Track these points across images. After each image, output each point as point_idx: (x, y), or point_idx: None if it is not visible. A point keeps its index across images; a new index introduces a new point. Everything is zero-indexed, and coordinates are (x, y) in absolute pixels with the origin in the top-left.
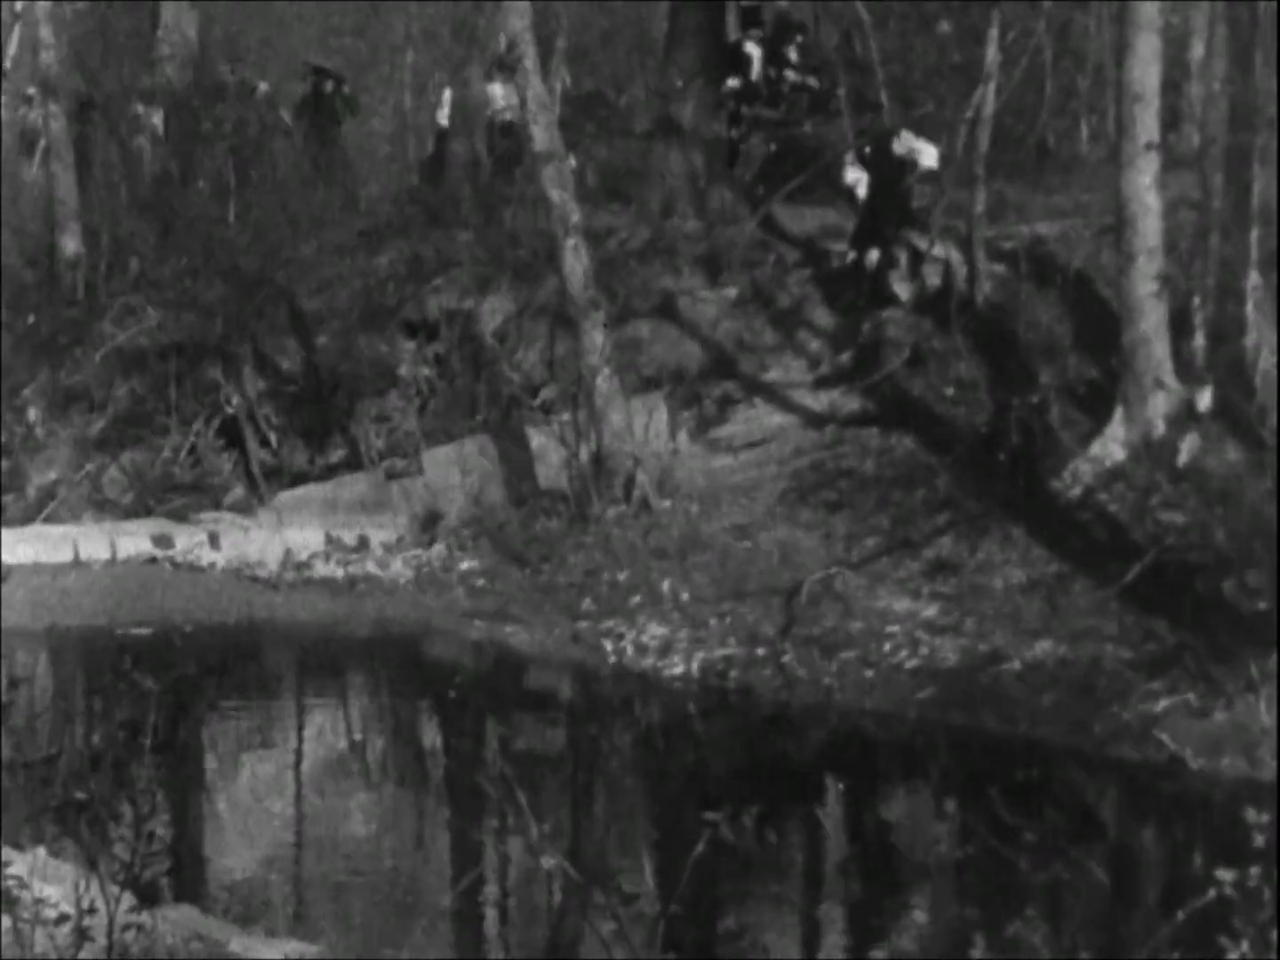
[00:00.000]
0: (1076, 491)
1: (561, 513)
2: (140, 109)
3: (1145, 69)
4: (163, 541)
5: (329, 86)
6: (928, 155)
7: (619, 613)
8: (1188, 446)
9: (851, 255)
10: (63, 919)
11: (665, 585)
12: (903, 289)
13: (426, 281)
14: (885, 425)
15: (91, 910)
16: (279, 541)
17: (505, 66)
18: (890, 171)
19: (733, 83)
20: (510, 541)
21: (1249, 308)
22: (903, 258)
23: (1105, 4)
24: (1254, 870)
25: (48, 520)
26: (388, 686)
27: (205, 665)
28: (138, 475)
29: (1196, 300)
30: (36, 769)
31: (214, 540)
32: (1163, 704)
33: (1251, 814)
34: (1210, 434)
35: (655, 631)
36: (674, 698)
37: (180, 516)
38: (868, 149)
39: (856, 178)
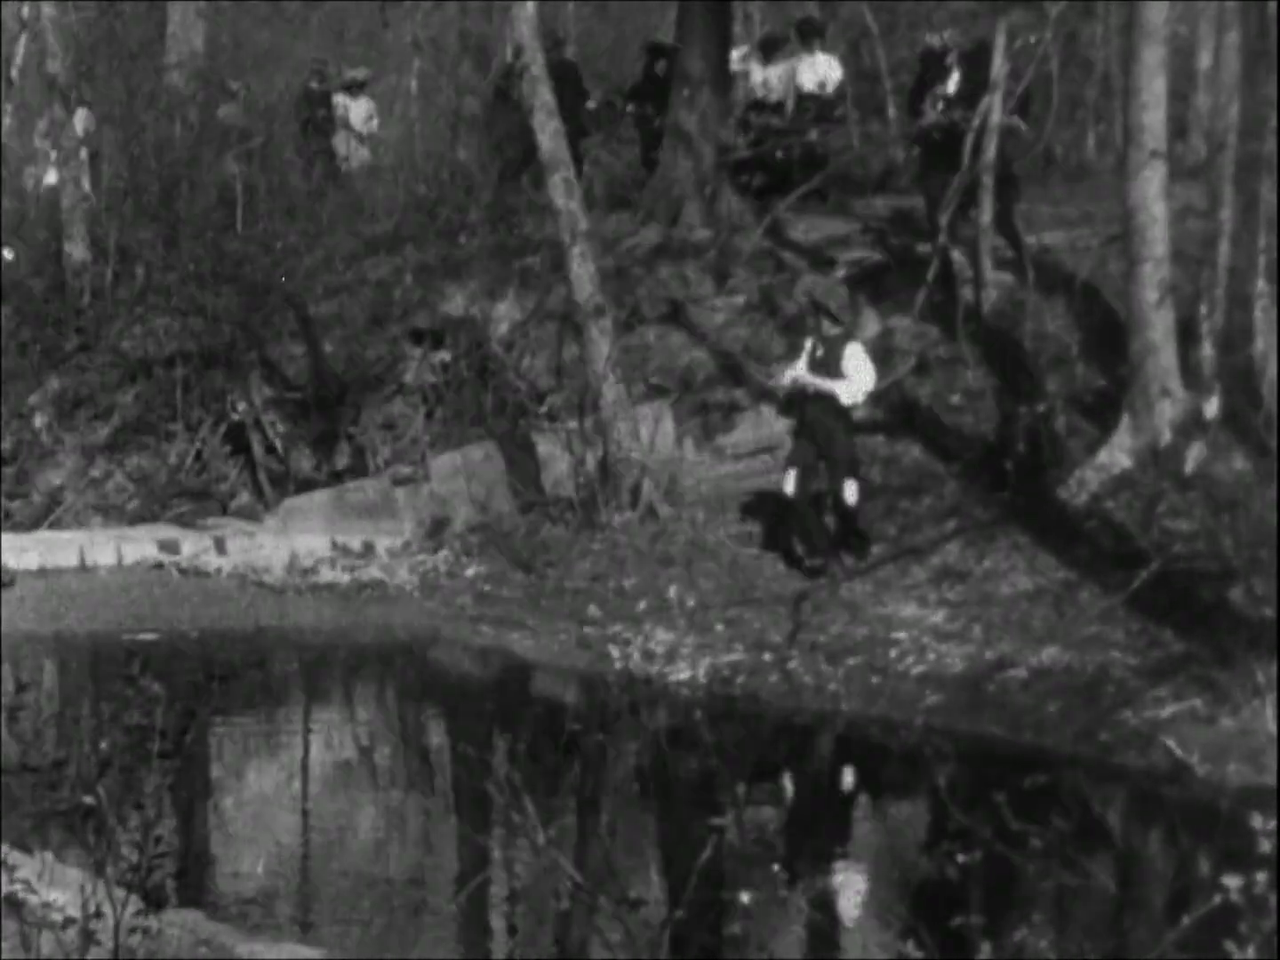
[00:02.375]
0: (1083, 499)
1: (568, 519)
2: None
3: (1152, 78)
4: (169, 547)
5: (661, 67)
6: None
7: (625, 619)
8: (1194, 455)
9: None
10: (69, 923)
11: (672, 591)
12: (909, 296)
13: (434, 289)
14: (892, 433)
15: (98, 914)
16: (285, 547)
17: (769, 47)
18: None
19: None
20: (516, 548)
21: (1256, 316)
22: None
23: (1112, 13)
24: (1260, 876)
25: (54, 526)
26: (394, 692)
27: (212, 671)
28: (144, 481)
29: (1203, 309)
30: (44, 774)
31: (220, 546)
32: (1169, 711)
33: (1257, 820)
34: (1217, 442)
35: (662, 637)
36: (680, 704)
37: (187, 522)
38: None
39: None
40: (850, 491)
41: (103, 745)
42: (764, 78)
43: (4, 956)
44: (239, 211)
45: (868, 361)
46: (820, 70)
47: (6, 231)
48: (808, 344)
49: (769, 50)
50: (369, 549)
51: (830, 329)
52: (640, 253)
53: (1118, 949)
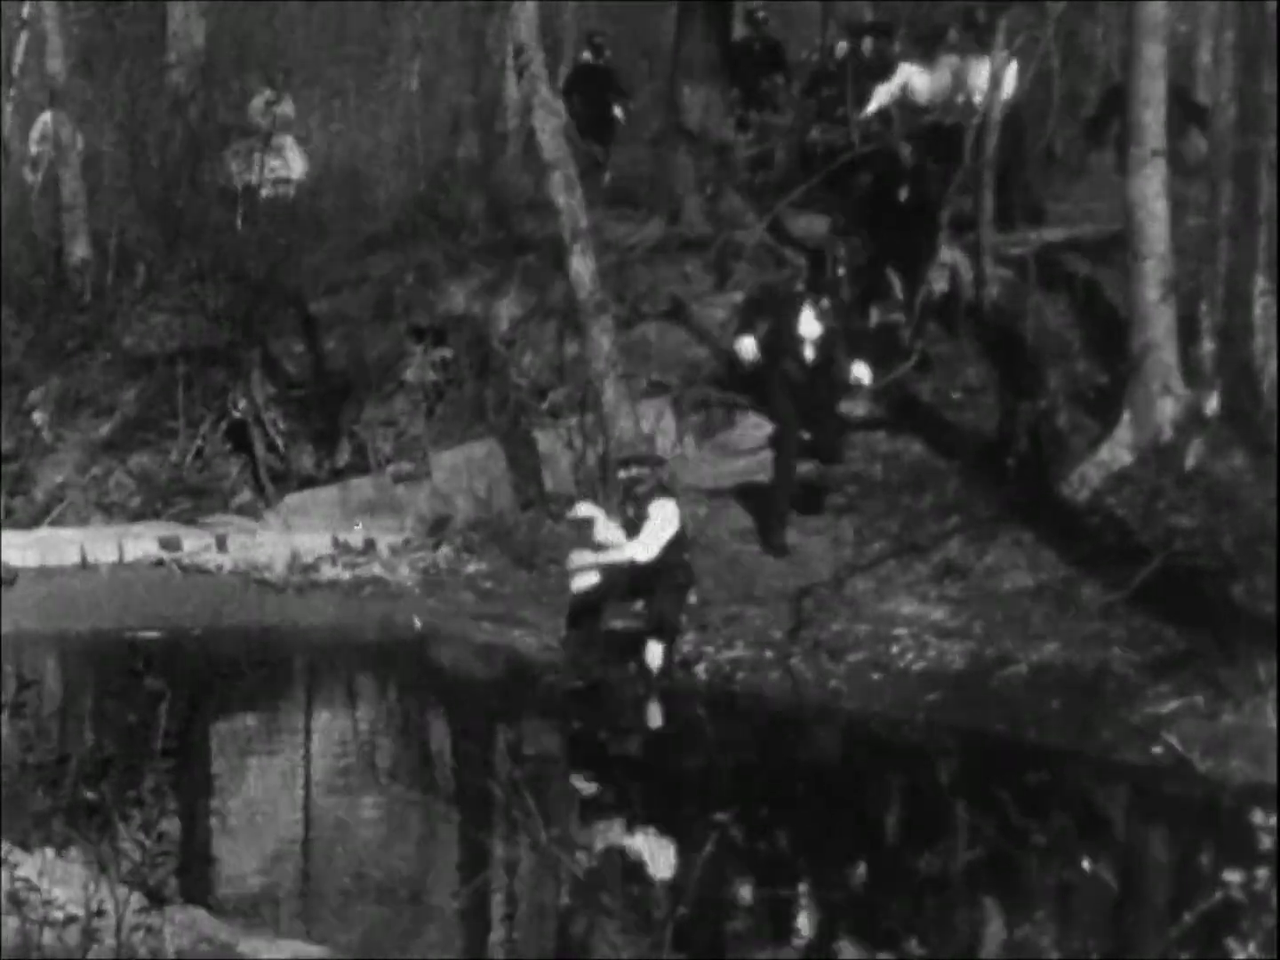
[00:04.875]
0: (1084, 495)
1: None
2: None
3: (1152, 76)
4: (170, 544)
5: (867, 45)
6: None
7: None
8: (1195, 451)
9: None
10: (71, 920)
11: None
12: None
13: (434, 286)
14: (893, 429)
15: (100, 912)
16: (286, 544)
17: (928, 44)
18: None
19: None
20: (518, 545)
21: (1256, 312)
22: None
23: (1113, 11)
24: (1261, 872)
25: (55, 523)
26: (395, 689)
27: (214, 668)
28: (145, 479)
29: (1204, 305)
30: (46, 771)
31: (221, 543)
32: (1170, 707)
33: (1259, 816)
34: (1217, 438)
35: None
36: (681, 700)
37: (188, 520)
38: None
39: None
40: (654, 654)
41: (105, 742)
42: (925, 84)
43: (6, 955)
44: (240, 209)
45: (673, 516)
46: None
47: (8, 229)
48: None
49: (928, 49)
50: (370, 546)
51: (642, 487)
52: (641, 250)
53: (1119, 945)
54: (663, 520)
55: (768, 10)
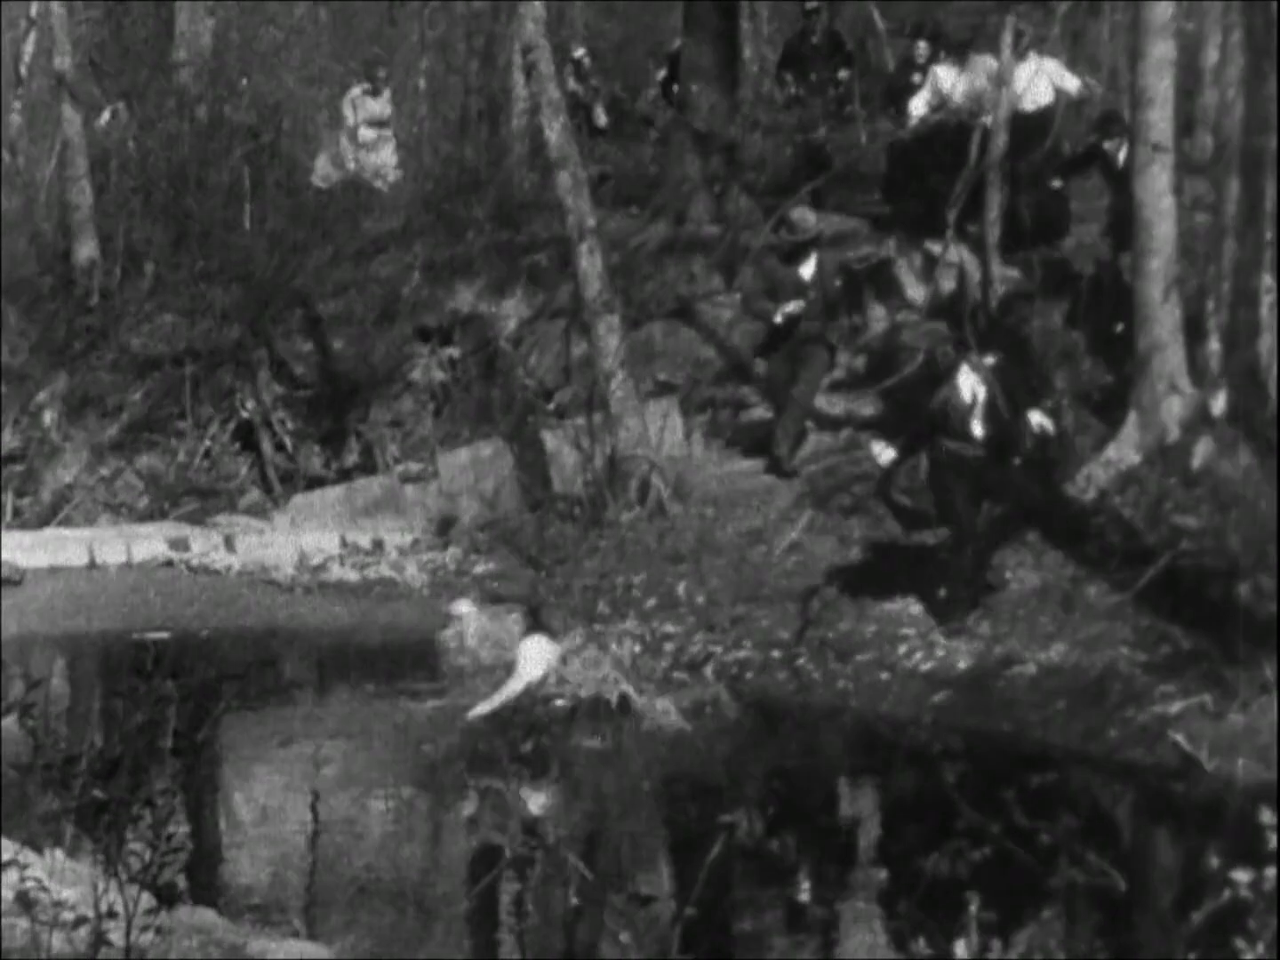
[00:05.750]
0: (1090, 496)
1: (576, 516)
2: None
3: (1159, 74)
4: (178, 545)
5: (922, 49)
6: None
7: (634, 616)
8: (1202, 451)
9: None
10: (81, 922)
11: (680, 588)
12: (916, 293)
13: (442, 286)
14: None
15: (111, 914)
16: (294, 545)
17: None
18: None
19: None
20: (525, 545)
21: (1263, 311)
22: (917, 260)
23: (1119, 10)
24: (1269, 871)
25: (63, 524)
26: (403, 689)
27: (222, 668)
28: (153, 479)
29: (1210, 304)
30: (54, 771)
31: (229, 543)
32: (1177, 707)
33: (1267, 815)
34: (1224, 438)
35: (670, 634)
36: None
37: (196, 520)
38: None
39: None
40: None
41: (114, 742)
42: (951, 87)
43: (15, 958)
44: (247, 209)
45: (544, 657)
46: (1052, 79)
47: (16, 229)
48: None
49: (958, 50)
50: (378, 546)
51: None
52: (648, 250)
53: (1127, 946)
54: (532, 659)
55: (773, 9)
